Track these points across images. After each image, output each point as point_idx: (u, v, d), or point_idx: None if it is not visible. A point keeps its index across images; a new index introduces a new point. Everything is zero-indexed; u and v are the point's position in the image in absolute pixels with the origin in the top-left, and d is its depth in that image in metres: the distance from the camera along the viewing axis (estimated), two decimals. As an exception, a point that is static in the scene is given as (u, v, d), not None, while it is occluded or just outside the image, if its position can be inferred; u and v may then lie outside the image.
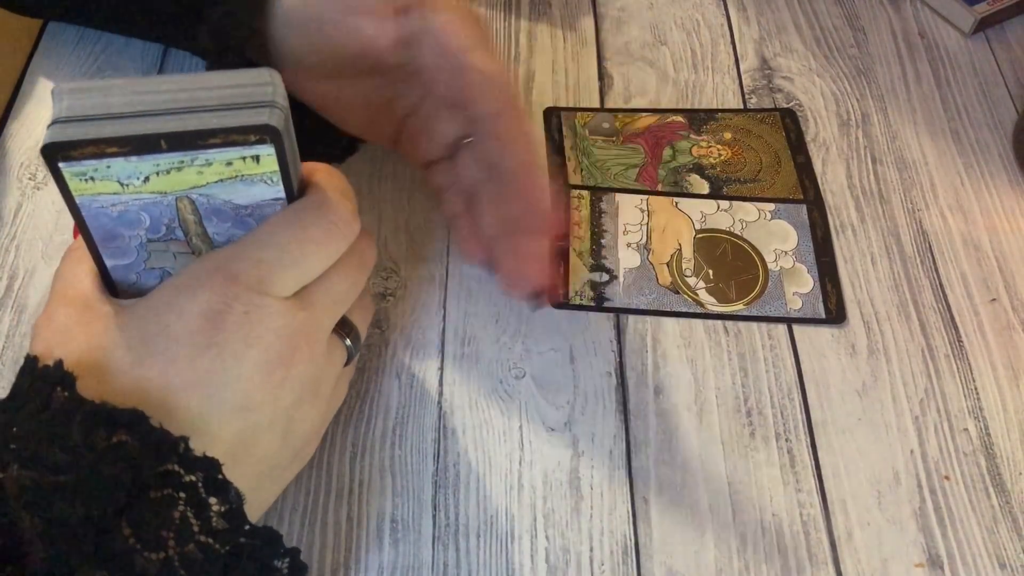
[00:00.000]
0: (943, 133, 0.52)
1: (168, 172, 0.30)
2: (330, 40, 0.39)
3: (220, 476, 0.29)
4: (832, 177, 0.50)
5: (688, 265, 0.46)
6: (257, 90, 0.30)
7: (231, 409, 0.31)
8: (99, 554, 0.27)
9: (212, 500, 0.29)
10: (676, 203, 0.48)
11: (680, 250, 0.47)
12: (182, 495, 0.29)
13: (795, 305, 0.45)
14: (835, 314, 0.44)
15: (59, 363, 0.29)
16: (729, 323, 0.44)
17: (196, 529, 0.28)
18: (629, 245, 0.47)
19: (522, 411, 0.41)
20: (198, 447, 0.29)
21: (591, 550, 0.37)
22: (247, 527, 0.30)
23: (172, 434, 0.29)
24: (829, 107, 0.53)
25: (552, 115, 0.52)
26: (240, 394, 0.31)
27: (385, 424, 0.41)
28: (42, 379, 0.29)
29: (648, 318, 0.44)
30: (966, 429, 0.41)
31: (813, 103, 0.54)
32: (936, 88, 0.55)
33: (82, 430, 0.28)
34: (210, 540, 0.29)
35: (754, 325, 0.44)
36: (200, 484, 0.29)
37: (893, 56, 0.56)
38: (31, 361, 0.30)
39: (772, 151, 0.51)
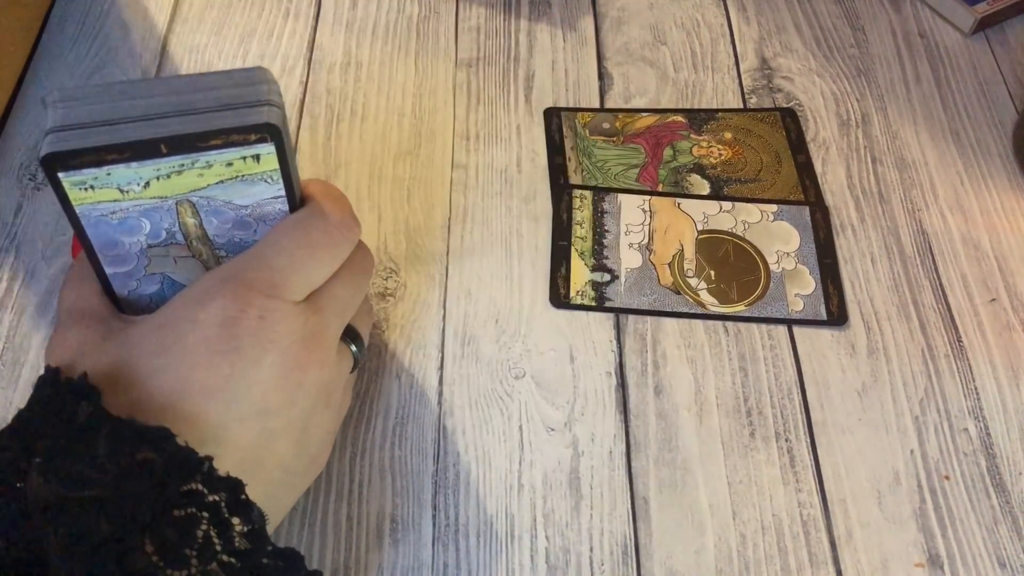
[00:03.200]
0: (943, 133, 0.52)
1: (169, 176, 0.30)
2: None
3: (244, 496, 0.29)
4: (832, 177, 0.50)
5: (690, 266, 0.46)
6: (252, 89, 0.30)
7: (250, 414, 0.31)
8: (121, 571, 0.27)
9: (235, 520, 0.29)
10: (678, 204, 0.48)
11: (682, 251, 0.47)
12: (205, 514, 0.28)
13: (796, 307, 0.45)
14: (836, 316, 0.44)
15: (83, 376, 0.29)
16: (729, 323, 0.44)
17: (218, 548, 0.28)
18: (631, 245, 0.47)
19: (522, 411, 0.41)
20: (217, 454, 0.29)
21: (591, 550, 0.37)
22: (269, 548, 0.30)
23: (197, 453, 0.29)
24: (829, 107, 0.53)
25: (552, 115, 0.52)
26: (258, 398, 0.31)
27: (385, 424, 0.41)
28: (66, 392, 0.29)
29: (648, 318, 0.44)
30: (966, 429, 0.41)
31: (813, 103, 0.54)
32: (936, 88, 0.55)
33: (107, 446, 0.28)
34: (232, 560, 0.28)
35: (754, 325, 0.44)
36: (223, 504, 0.29)
37: (893, 56, 0.56)
38: (52, 372, 0.30)
39: (772, 151, 0.51)
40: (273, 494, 0.33)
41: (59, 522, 0.27)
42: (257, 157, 0.30)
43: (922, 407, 0.42)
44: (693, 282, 0.45)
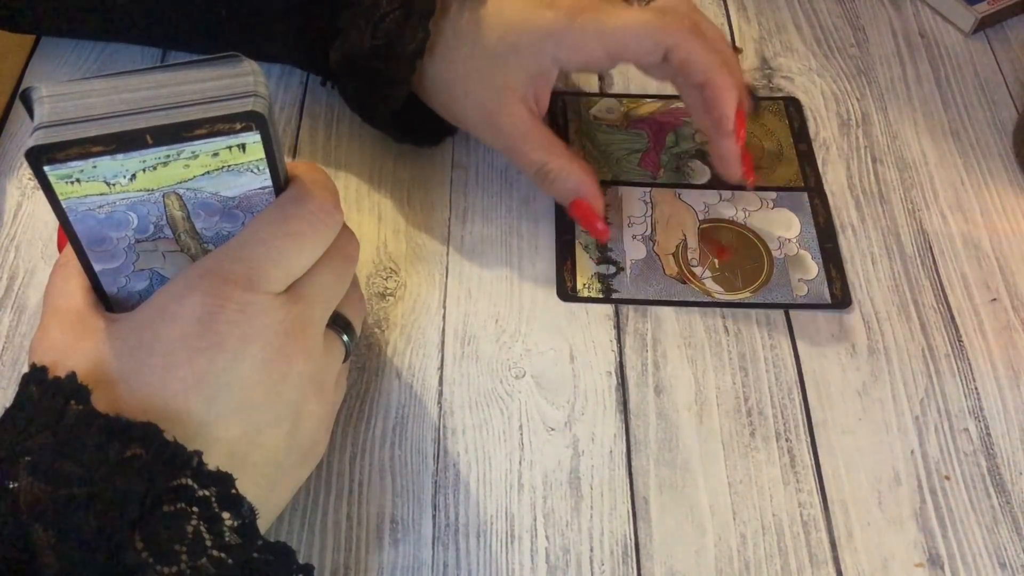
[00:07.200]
0: (943, 133, 0.52)
1: (155, 168, 0.29)
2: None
3: (234, 491, 0.29)
4: (832, 177, 0.50)
5: (694, 255, 0.46)
6: (238, 81, 0.30)
7: (234, 409, 0.31)
8: (112, 568, 0.27)
9: (225, 515, 0.29)
10: (679, 194, 0.49)
11: (685, 240, 0.47)
12: (195, 509, 0.28)
13: (801, 291, 0.45)
14: (840, 298, 0.45)
15: (72, 375, 0.29)
16: (730, 323, 0.44)
17: (209, 543, 0.28)
18: (634, 237, 0.47)
19: (522, 411, 0.41)
20: (204, 450, 0.29)
21: (591, 550, 0.37)
22: (260, 542, 0.30)
23: (186, 448, 0.29)
24: (829, 107, 0.53)
25: (557, 99, 0.53)
26: (241, 393, 0.31)
27: (385, 424, 0.41)
28: (54, 391, 0.29)
29: (648, 317, 0.44)
30: (966, 429, 0.41)
31: (813, 103, 0.54)
32: (936, 88, 0.55)
33: (97, 443, 0.28)
34: (223, 555, 0.28)
35: (755, 324, 0.44)
36: (213, 499, 0.29)
37: (893, 56, 0.56)
38: (39, 371, 0.30)
39: (775, 139, 0.51)
40: (266, 487, 0.33)
41: (49, 520, 0.27)
42: (243, 146, 0.30)
43: (922, 407, 0.42)
44: (698, 271, 0.46)
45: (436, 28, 0.44)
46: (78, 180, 0.29)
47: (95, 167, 0.29)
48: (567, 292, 0.45)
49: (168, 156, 0.29)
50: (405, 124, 0.48)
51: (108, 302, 0.33)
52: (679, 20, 0.43)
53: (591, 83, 0.54)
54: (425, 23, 0.42)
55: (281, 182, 0.32)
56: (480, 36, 0.43)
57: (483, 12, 0.43)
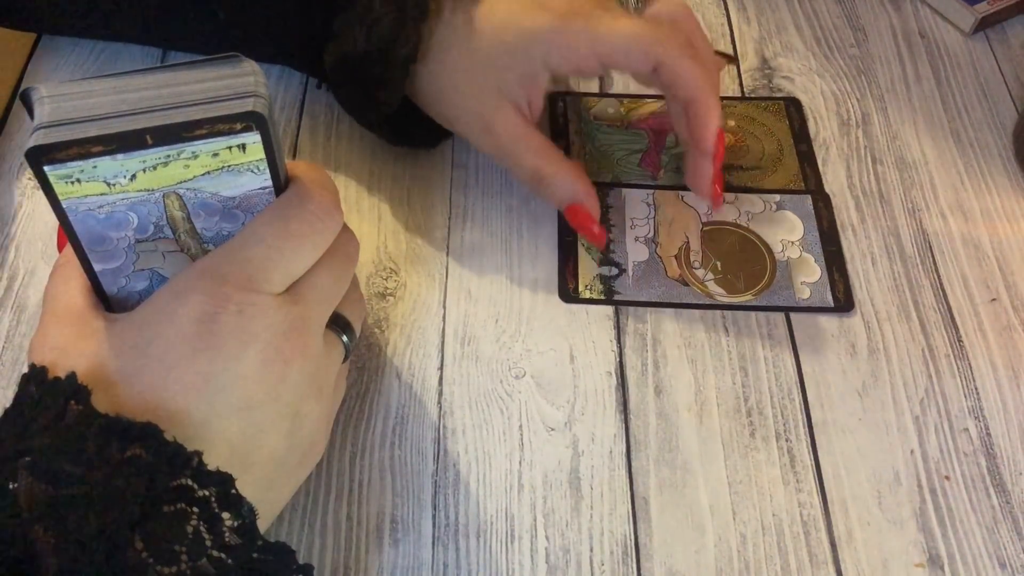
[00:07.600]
0: (943, 133, 0.52)
1: (155, 168, 0.29)
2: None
3: (233, 491, 0.29)
4: (832, 177, 0.50)
5: (696, 257, 0.46)
6: (239, 81, 0.30)
7: (233, 410, 0.31)
8: (112, 568, 0.27)
9: (225, 515, 0.29)
10: (682, 196, 0.49)
11: (688, 243, 0.47)
12: (195, 510, 0.28)
13: (804, 295, 0.45)
14: (843, 302, 0.45)
15: (72, 375, 0.29)
16: (730, 323, 0.44)
17: (209, 544, 0.28)
18: (637, 239, 0.47)
19: (522, 411, 0.41)
20: (204, 450, 0.29)
21: (591, 550, 0.37)
22: (260, 542, 0.30)
23: (186, 448, 0.29)
24: (829, 107, 0.53)
25: (558, 99, 0.53)
26: (240, 393, 0.31)
27: (385, 424, 0.41)
28: (54, 391, 0.29)
29: (649, 317, 0.44)
30: (966, 429, 0.41)
31: (813, 103, 0.54)
32: (936, 88, 0.55)
33: (96, 443, 0.28)
34: (223, 555, 0.28)
35: (754, 324, 0.44)
36: (213, 499, 0.29)
37: (893, 56, 0.56)
38: (39, 371, 0.30)
39: (775, 139, 0.51)
40: (267, 487, 0.33)
41: (49, 520, 0.27)
42: (243, 147, 0.30)
43: (922, 407, 0.42)
44: (700, 273, 0.46)
45: (429, 32, 0.43)
46: (78, 180, 0.29)
47: (95, 167, 0.29)
48: (568, 293, 0.45)
49: (168, 156, 0.29)
50: (401, 128, 0.48)
51: (108, 302, 0.33)
52: (672, 33, 0.42)
53: (591, 83, 0.54)
54: (418, 27, 0.42)
55: (281, 182, 0.32)
56: (472, 39, 0.43)
57: (475, 14, 0.43)
